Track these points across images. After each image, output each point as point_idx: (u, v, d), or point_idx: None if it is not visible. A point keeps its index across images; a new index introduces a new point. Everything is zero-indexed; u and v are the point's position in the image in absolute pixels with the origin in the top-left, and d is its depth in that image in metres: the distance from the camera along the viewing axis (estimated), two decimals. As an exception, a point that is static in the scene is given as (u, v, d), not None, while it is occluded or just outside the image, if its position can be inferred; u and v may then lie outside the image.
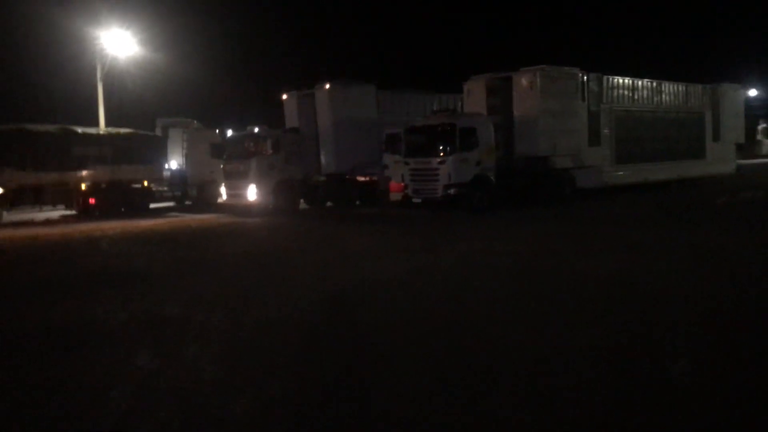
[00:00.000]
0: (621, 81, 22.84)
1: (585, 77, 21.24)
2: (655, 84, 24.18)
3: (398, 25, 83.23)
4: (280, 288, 9.23)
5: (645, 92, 23.84)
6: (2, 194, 20.77)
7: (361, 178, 23.58)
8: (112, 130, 24.54)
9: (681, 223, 15.30)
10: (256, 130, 22.46)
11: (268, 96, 28.44)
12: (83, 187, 22.61)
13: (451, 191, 18.62)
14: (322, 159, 23.22)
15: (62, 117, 32.40)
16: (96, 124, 29.44)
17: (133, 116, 34.68)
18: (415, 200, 19.55)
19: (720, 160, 26.96)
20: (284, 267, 11.16)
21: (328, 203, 23.89)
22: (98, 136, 23.52)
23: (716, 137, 26.68)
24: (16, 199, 21.51)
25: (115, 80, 33.92)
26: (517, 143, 20.48)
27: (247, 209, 21.97)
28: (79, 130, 23.04)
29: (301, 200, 23.44)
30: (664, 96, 24.58)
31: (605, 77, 22.14)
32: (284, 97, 24.94)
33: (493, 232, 14.95)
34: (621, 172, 22.76)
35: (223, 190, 22.94)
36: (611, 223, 15.76)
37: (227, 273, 10.82)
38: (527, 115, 20.10)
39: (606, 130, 22.19)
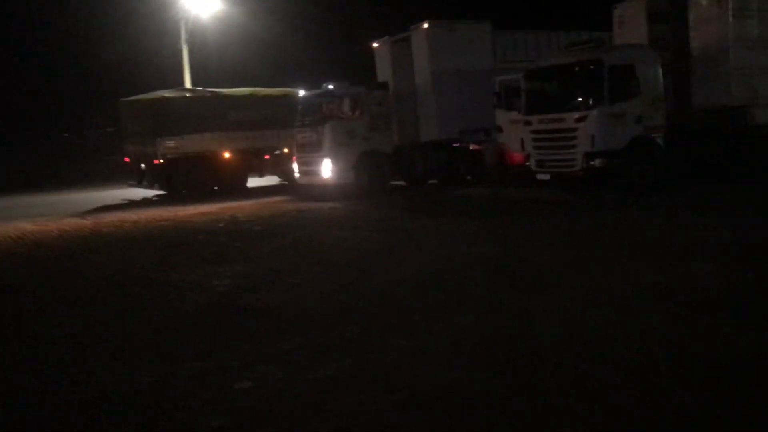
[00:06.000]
0: None
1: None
2: None
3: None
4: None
5: None
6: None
7: (475, 147, 17.86)
8: (266, 90, 21.85)
9: None
10: (331, 86, 17.25)
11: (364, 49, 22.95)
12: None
13: (596, 162, 12.54)
14: (421, 123, 17.84)
15: (151, 82, 29.87)
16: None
17: (216, 78, 31.48)
18: (541, 176, 13.65)
19: None
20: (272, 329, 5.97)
21: (432, 181, 18.49)
22: (249, 99, 21.06)
23: None
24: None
25: (197, 40, 30.93)
26: (695, 89, 14.18)
27: (324, 190, 17.08)
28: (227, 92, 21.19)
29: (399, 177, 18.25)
30: None
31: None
32: (375, 45, 19.68)
33: (686, 238, 8.60)
34: None
35: (295, 165, 18.14)
36: None
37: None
38: (712, 46, 13.82)
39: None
